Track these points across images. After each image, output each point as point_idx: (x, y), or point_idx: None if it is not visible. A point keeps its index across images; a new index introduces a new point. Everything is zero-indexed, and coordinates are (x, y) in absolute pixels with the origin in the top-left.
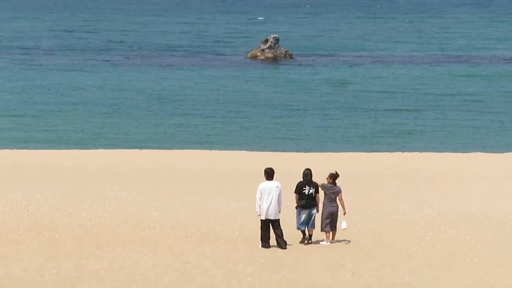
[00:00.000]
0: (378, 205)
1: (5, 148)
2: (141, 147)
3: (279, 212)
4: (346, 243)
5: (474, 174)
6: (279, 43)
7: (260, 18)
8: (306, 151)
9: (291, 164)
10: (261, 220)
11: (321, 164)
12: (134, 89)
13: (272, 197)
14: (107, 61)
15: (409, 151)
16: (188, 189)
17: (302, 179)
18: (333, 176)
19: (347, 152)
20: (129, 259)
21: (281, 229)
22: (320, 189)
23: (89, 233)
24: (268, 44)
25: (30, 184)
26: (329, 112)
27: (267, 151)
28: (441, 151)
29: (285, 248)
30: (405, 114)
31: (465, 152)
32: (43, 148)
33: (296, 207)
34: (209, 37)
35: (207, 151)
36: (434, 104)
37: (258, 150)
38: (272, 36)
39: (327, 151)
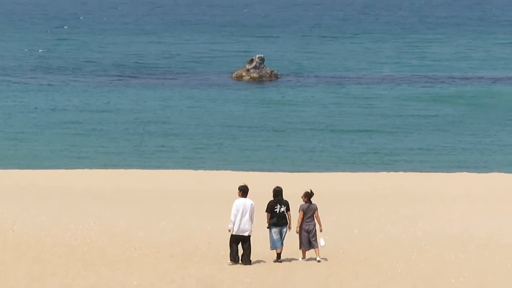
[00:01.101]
0: (363, 224)
1: None
2: (125, 167)
3: (251, 230)
4: (331, 263)
5: (459, 194)
6: (264, 63)
7: (242, 38)
8: (290, 171)
9: (274, 185)
10: (232, 236)
11: (306, 184)
12: (116, 109)
13: (246, 214)
14: (88, 81)
15: (393, 171)
16: (173, 208)
17: (273, 198)
18: (308, 195)
19: (331, 172)
20: (114, 279)
21: (250, 248)
22: (298, 211)
23: (74, 252)
24: (253, 64)
25: (15, 204)
26: (313, 133)
27: (252, 171)
28: (425, 171)
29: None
30: (389, 135)
31: (450, 172)
32: (26, 168)
33: (268, 227)
34: (192, 57)
35: (191, 171)
36: (418, 124)
37: (243, 170)
38: (257, 56)
39: (311, 171)
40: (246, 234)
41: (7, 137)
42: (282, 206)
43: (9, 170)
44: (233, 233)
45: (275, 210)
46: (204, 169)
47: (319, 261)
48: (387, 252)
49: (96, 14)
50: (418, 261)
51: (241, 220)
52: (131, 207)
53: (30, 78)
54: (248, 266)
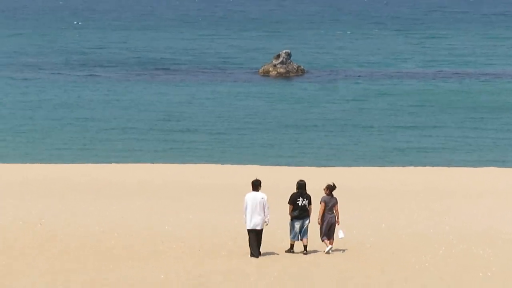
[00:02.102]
0: (391, 219)
1: (15, 163)
2: (151, 162)
3: (266, 223)
4: (358, 257)
5: (487, 189)
6: (291, 58)
7: (263, 33)
8: (317, 165)
9: (299, 179)
10: (248, 230)
11: (331, 179)
12: (141, 104)
13: (256, 208)
14: (110, 77)
15: (421, 166)
16: (199, 203)
17: (296, 191)
18: (330, 188)
19: (359, 167)
20: (141, 273)
21: (261, 240)
22: (319, 202)
23: (101, 246)
24: (280, 59)
25: (42, 198)
26: (340, 128)
27: (278, 165)
28: (453, 166)
29: (257, 257)
30: (416, 130)
31: (478, 167)
32: (53, 163)
33: (291, 218)
34: (215, 53)
35: (219, 165)
36: (444, 120)
37: (269, 165)
38: (284, 51)
39: (336, 166)
40: (258, 228)
41: (31, 132)
42: (305, 199)
43: (35, 164)
44: (247, 228)
45: (297, 202)
46: (231, 164)
47: (327, 252)
48: (414, 247)
49: (115, 10)
50: (445, 256)
51: (252, 214)
52: (157, 201)
53: (50, 74)
54: (275, 260)
